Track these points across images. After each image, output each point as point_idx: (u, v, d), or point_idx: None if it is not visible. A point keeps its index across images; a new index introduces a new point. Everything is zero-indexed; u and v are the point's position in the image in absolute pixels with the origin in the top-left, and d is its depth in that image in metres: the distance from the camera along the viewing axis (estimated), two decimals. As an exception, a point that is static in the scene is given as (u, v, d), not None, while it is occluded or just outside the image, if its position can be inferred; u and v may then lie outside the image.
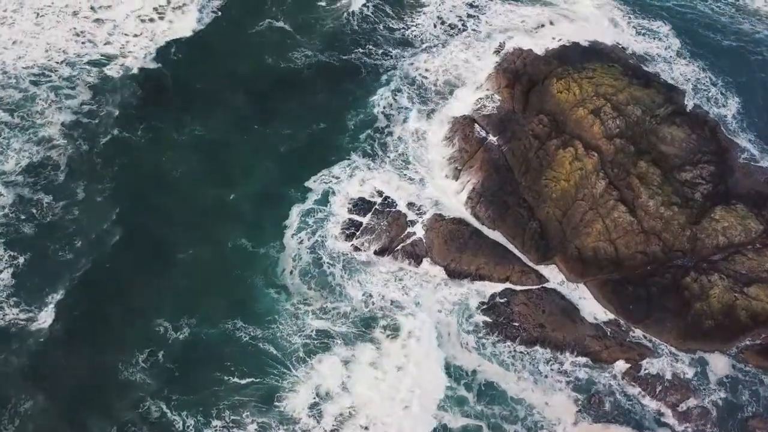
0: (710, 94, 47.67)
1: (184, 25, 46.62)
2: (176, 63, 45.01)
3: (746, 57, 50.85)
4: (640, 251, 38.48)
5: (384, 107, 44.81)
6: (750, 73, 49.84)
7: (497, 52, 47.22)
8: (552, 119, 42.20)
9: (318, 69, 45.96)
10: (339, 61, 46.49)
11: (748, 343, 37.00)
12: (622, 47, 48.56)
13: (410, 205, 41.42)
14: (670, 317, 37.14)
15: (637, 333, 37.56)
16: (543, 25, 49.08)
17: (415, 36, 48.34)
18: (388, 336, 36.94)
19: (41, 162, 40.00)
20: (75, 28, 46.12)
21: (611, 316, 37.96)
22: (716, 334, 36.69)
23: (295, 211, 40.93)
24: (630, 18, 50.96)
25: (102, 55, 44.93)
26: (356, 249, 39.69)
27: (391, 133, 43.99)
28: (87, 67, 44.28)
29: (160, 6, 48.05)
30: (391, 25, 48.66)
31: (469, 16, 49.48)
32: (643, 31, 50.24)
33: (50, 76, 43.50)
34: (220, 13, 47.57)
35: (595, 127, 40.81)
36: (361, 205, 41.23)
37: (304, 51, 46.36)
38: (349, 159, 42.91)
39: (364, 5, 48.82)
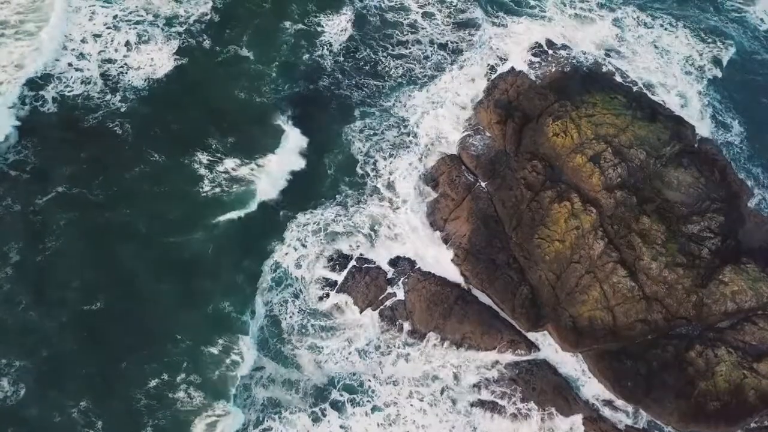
0: (718, 124, 44.01)
1: (146, 56, 41.61)
2: (133, 97, 40.05)
3: (752, 79, 46.91)
4: (640, 320, 35.08)
5: (361, 146, 40.47)
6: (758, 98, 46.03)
7: (488, 78, 42.90)
8: (546, 164, 38.17)
9: (292, 103, 41.21)
10: (314, 93, 41.80)
11: (753, 425, 34.10)
12: (625, 71, 44.31)
13: (390, 260, 37.72)
14: (671, 396, 33.98)
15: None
16: (539, 45, 44.48)
17: (395, 63, 43.63)
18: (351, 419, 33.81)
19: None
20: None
21: (607, 393, 34.85)
22: (721, 416, 33.60)
23: (267, 269, 36.89)
24: (631, 33, 46.60)
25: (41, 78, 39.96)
26: (330, 312, 36.22)
27: (369, 177, 39.84)
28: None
29: (112, 21, 43.01)
30: (368, 54, 43.81)
31: (458, 38, 44.70)
32: (645, 49, 45.99)
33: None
34: (182, 39, 42.47)
35: (594, 177, 36.85)
36: (337, 260, 37.49)
37: (274, 84, 41.56)
38: (324, 207, 38.80)
39: (338, 32, 43.95)
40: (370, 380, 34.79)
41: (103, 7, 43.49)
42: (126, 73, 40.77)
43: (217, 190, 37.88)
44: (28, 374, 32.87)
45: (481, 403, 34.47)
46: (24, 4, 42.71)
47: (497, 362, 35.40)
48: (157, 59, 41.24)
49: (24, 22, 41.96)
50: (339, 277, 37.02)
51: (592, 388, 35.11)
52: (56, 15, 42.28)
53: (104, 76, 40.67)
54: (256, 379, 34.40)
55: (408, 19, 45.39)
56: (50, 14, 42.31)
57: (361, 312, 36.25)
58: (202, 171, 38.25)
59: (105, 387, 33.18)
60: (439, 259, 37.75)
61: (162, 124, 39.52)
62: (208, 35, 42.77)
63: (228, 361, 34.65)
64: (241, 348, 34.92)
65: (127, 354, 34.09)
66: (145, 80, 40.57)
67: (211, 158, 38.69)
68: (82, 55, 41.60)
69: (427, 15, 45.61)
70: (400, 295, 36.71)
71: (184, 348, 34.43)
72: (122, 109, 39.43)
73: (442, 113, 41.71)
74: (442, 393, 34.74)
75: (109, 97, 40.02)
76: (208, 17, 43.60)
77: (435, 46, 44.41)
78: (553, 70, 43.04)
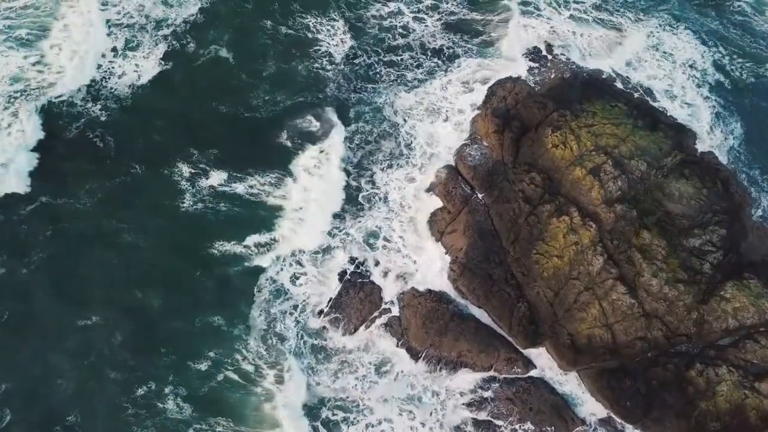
0: (721, 131, 42.90)
1: (132, 62, 40.17)
2: (115, 108, 38.87)
3: (757, 83, 45.78)
4: (640, 337, 34.35)
5: (356, 157, 39.40)
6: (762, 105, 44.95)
7: (486, 84, 41.77)
8: (545, 176, 37.21)
9: (286, 111, 39.98)
10: (307, 99, 40.46)
11: (755, 446, 33.55)
12: (626, 76, 43.26)
13: (385, 275, 36.86)
14: (671, 417, 33.37)
15: (634, 432, 34.09)
16: (539, 50, 43.32)
17: (388, 70, 42.27)
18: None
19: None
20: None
21: (606, 412, 34.21)
22: (722, 438, 33.13)
23: (260, 284, 35.87)
24: (632, 37, 45.45)
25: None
26: (324, 328, 35.40)
27: (364, 189, 38.79)
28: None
29: (104, 26, 41.44)
30: (362, 60, 42.43)
31: (453, 43, 43.42)
32: (646, 54, 44.86)
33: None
34: (168, 42, 41.17)
35: (594, 191, 35.92)
36: (331, 275, 36.46)
37: (262, 92, 40.28)
38: (320, 218, 37.73)
39: (332, 38, 42.65)
40: (362, 398, 34.08)
41: (100, 10, 41.86)
42: (109, 79, 39.59)
43: (200, 205, 36.93)
44: (16, 390, 32.22)
45: (477, 423, 33.78)
46: (14, 7, 40.59)
47: (493, 380, 34.70)
48: (142, 65, 40.01)
49: (14, 27, 40.07)
50: (333, 293, 36.17)
51: (591, 407, 34.42)
52: (60, 25, 40.52)
53: (90, 81, 39.43)
54: (248, 394, 33.65)
55: (401, 21, 43.99)
56: (50, 23, 40.51)
57: (355, 329, 35.45)
58: (185, 184, 37.25)
59: (95, 398, 32.65)
60: (435, 274, 36.94)
61: (147, 134, 38.53)
62: (193, 38, 41.48)
63: (220, 377, 34.02)
64: (233, 362, 34.30)
65: (116, 365, 33.46)
66: (129, 87, 39.45)
67: (194, 170, 37.67)
68: (72, 58, 40.35)
69: (418, 19, 44.16)
70: (395, 311, 35.96)
71: (172, 361, 33.79)
72: (102, 118, 38.31)
73: (438, 122, 40.65)
74: (435, 413, 34.03)
75: (90, 105, 38.84)
76: (194, 18, 42.20)
77: (429, 52, 43.10)
78: (553, 75, 41.99)
